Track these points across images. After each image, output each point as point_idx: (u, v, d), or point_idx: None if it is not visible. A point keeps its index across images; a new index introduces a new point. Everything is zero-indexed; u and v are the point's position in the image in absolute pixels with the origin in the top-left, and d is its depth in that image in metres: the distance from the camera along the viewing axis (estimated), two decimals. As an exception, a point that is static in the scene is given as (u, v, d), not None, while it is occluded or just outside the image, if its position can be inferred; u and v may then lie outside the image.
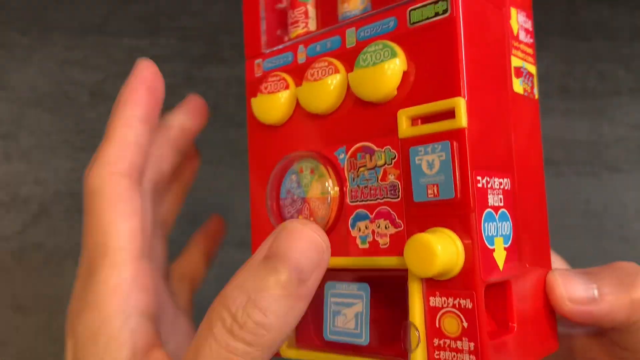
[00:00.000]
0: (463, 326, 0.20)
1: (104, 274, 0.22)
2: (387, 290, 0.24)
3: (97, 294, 0.22)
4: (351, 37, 0.25)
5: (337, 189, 0.25)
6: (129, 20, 0.60)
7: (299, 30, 0.28)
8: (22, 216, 0.54)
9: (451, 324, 0.21)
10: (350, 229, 0.24)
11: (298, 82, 0.27)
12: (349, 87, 0.25)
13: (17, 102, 0.57)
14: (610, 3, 0.75)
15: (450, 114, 0.21)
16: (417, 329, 0.21)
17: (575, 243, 0.58)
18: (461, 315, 0.20)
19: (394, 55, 0.23)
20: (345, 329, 0.24)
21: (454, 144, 0.21)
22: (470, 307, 0.20)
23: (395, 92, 0.23)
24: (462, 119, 0.21)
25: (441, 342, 0.21)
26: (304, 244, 0.19)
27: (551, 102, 0.68)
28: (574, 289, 0.24)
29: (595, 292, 0.24)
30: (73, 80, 0.59)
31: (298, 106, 0.27)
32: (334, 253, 0.24)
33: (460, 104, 0.21)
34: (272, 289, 0.18)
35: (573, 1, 0.76)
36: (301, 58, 0.27)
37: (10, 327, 0.54)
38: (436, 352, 0.21)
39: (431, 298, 0.21)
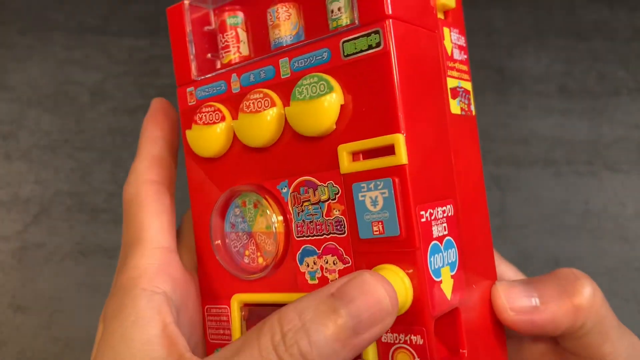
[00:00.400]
0: None
1: (135, 260, 0.25)
2: None
3: (126, 278, 0.24)
4: (285, 68, 0.24)
5: (282, 223, 0.24)
6: (129, 20, 0.60)
7: (231, 55, 0.27)
8: (23, 216, 0.54)
9: (401, 359, 0.21)
10: (298, 264, 0.24)
11: (234, 113, 0.26)
12: (287, 120, 0.24)
13: (18, 102, 0.57)
14: (609, 3, 0.75)
15: (390, 149, 0.21)
16: None
17: (574, 243, 0.58)
18: (412, 351, 0.21)
19: (330, 89, 0.22)
20: None
21: (396, 180, 0.21)
22: (421, 342, 0.21)
23: (334, 127, 0.23)
24: (402, 156, 0.21)
25: None
26: (372, 299, 0.19)
27: (551, 102, 0.68)
28: (515, 299, 0.24)
29: (536, 300, 0.24)
30: (73, 80, 0.59)
31: (236, 138, 0.26)
32: (283, 289, 0.25)
33: (400, 141, 0.21)
34: (327, 326, 0.18)
35: (573, 1, 0.77)
36: (235, 87, 0.26)
37: (10, 327, 0.54)
38: None
39: (383, 335, 0.22)
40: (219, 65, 0.28)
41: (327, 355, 0.18)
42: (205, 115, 0.26)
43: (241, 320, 0.26)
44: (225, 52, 0.27)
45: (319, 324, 0.19)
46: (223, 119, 0.26)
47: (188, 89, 0.27)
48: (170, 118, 0.29)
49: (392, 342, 0.22)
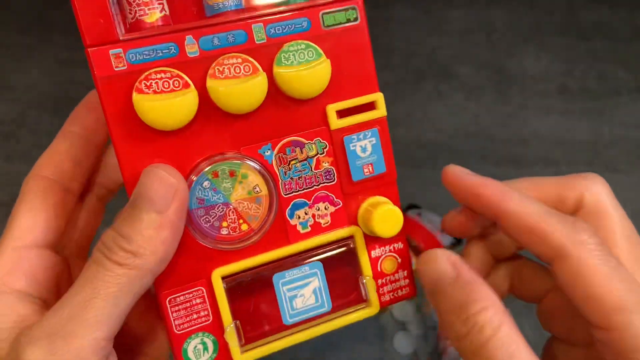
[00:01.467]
0: (398, 262, 0.28)
1: None
2: (324, 260, 0.27)
3: None
4: (260, 33, 0.24)
5: (265, 185, 0.25)
6: (129, 20, 0.60)
7: (157, 14, 0.24)
8: (23, 216, 0.54)
9: (389, 264, 0.28)
10: (288, 219, 0.26)
11: (196, 79, 0.24)
12: (269, 85, 0.25)
13: (18, 102, 0.57)
14: (610, 3, 0.75)
15: (371, 105, 0.26)
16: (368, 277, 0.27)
17: (574, 243, 0.58)
18: (396, 255, 0.28)
19: (319, 55, 0.25)
20: (305, 306, 0.27)
21: (380, 129, 0.26)
22: (402, 246, 0.28)
23: (323, 89, 0.25)
24: (384, 109, 0.26)
25: (383, 280, 0.28)
26: (155, 182, 0.23)
27: (551, 102, 0.68)
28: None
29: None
30: (73, 80, 0.59)
31: (201, 107, 0.24)
32: (273, 246, 0.26)
33: (381, 98, 0.26)
34: (133, 222, 0.22)
35: (573, 1, 0.77)
36: (192, 51, 0.24)
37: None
38: (381, 289, 0.28)
39: (372, 251, 0.27)
40: (126, 26, 0.24)
41: (147, 241, 0.22)
42: (158, 83, 0.23)
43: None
44: (149, 9, 0.24)
45: (126, 224, 0.22)
46: (186, 85, 0.24)
47: (112, 51, 0.23)
48: (94, 112, 0.28)
49: (380, 254, 0.28)
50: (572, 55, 0.71)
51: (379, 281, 0.28)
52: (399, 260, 0.28)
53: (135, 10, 0.24)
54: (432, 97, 0.68)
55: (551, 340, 0.27)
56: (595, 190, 0.25)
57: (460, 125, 0.67)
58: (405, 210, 0.56)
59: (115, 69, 0.23)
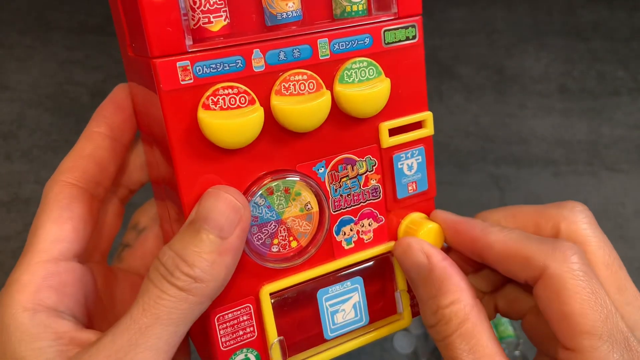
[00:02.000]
0: None
1: (17, 274, 0.23)
2: (364, 275, 0.28)
3: (6, 292, 0.23)
4: (324, 48, 0.24)
5: (317, 202, 0.25)
6: (129, 20, 0.60)
7: (221, 22, 0.23)
8: (23, 216, 0.54)
9: None
10: (335, 235, 0.26)
11: (260, 95, 0.23)
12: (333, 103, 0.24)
13: (18, 102, 0.57)
14: (609, 3, 0.75)
15: (418, 124, 0.27)
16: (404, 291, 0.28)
17: (574, 243, 0.58)
18: None
19: (379, 73, 0.25)
20: (345, 321, 0.27)
21: (426, 148, 0.27)
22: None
23: (381, 109, 0.25)
24: (432, 128, 0.27)
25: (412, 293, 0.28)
26: (222, 205, 0.22)
27: (550, 102, 0.69)
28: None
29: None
30: (73, 80, 0.59)
31: (265, 125, 0.23)
32: (320, 261, 0.26)
33: (430, 116, 0.27)
34: (196, 246, 0.21)
35: (573, 1, 0.77)
36: (258, 65, 0.23)
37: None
38: (412, 301, 0.29)
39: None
40: (187, 34, 0.22)
41: (210, 267, 0.21)
42: (225, 99, 0.22)
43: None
44: (214, 17, 0.23)
45: (188, 247, 0.21)
46: (252, 102, 0.23)
47: (179, 63, 0.22)
48: (122, 111, 0.26)
49: None
50: (571, 55, 0.71)
51: (410, 294, 0.28)
52: None
53: (200, 17, 0.22)
54: (432, 97, 0.68)
55: (537, 354, 0.27)
56: (573, 219, 0.25)
57: (460, 125, 0.67)
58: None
59: (182, 83, 0.22)
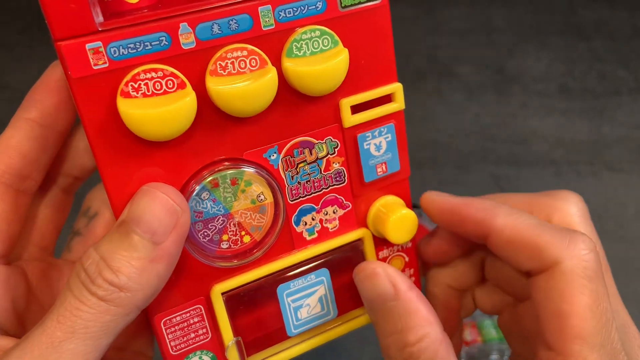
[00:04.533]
0: (405, 261, 0.26)
1: None
2: (330, 264, 0.25)
3: None
4: (267, 17, 0.20)
5: (270, 192, 0.22)
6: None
7: None
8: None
9: (397, 263, 0.26)
10: (294, 226, 0.24)
11: (192, 76, 0.20)
12: (280, 82, 0.21)
13: (18, 102, 0.57)
14: (610, 3, 0.75)
15: (387, 98, 0.23)
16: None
17: (575, 243, 0.58)
18: (404, 254, 0.26)
19: (335, 43, 0.21)
20: (311, 315, 0.25)
21: (396, 124, 0.24)
22: (410, 245, 0.26)
23: (340, 84, 0.22)
24: (402, 102, 0.23)
25: None
26: (157, 207, 0.19)
27: (551, 102, 0.68)
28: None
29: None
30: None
31: (199, 111, 0.20)
32: (277, 255, 0.23)
33: (399, 89, 0.23)
34: (124, 251, 0.19)
35: (573, 1, 0.76)
36: (187, 42, 0.19)
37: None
38: None
39: (380, 252, 0.26)
40: (98, 9, 0.19)
41: (138, 275, 0.19)
42: (148, 84, 0.19)
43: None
44: None
45: (115, 251, 0.19)
46: (182, 86, 0.19)
47: (89, 45, 0.18)
48: (57, 94, 0.23)
49: (388, 255, 0.26)
50: (572, 55, 0.71)
51: None
52: (407, 259, 0.26)
53: None
54: (432, 97, 0.68)
55: (511, 354, 0.27)
56: (566, 211, 0.24)
57: (460, 125, 0.67)
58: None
59: (94, 68, 0.19)
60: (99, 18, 0.18)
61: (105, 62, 0.19)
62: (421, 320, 0.21)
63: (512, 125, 0.66)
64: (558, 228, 0.22)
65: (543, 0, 0.75)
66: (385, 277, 0.22)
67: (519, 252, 0.22)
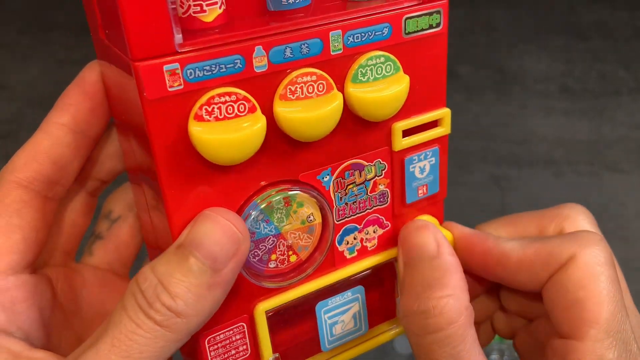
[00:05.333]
0: None
1: None
2: (365, 283, 0.25)
3: None
4: (337, 42, 0.21)
5: (320, 213, 0.23)
6: (129, 20, 0.60)
7: (216, 10, 0.19)
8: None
9: None
10: (337, 245, 0.24)
11: (262, 100, 0.20)
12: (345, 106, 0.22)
13: (17, 102, 0.57)
14: (610, 3, 0.75)
15: (434, 122, 0.23)
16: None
17: (575, 243, 0.58)
18: None
19: (397, 69, 0.22)
20: (345, 331, 0.25)
21: (440, 148, 0.24)
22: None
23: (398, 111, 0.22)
24: (449, 127, 0.24)
25: None
26: (219, 233, 0.19)
27: (551, 102, 0.68)
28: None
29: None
30: (72, 79, 0.59)
31: (268, 135, 0.20)
32: (320, 273, 0.24)
33: (447, 114, 0.24)
34: (183, 275, 0.19)
35: (573, 1, 0.76)
36: (259, 65, 0.19)
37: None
38: None
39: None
40: (177, 30, 0.19)
41: (194, 301, 0.19)
42: (221, 107, 0.19)
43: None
44: (207, 5, 0.19)
45: (174, 275, 0.18)
46: (252, 109, 0.19)
47: (167, 67, 0.18)
48: (91, 98, 0.22)
49: None
50: (572, 55, 0.71)
51: None
52: None
53: (190, 4, 0.19)
54: (432, 97, 0.68)
55: None
56: (575, 217, 0.24)
57: (460, 125, 0.67)
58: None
59: (170, 90, 0.18)
60: (179, 39, 0.18)
61: (180, 84, 0.18)
62: (455, 282, 0.21)
63: (512, 125, 0.66)
64: (561, 235, 0.22)
65: (543, 0, 0.75)
66: (433, 235, 0.23)
67: (531, 268, 0.22)
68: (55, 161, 0.22)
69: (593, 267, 0.21)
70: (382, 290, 0.26)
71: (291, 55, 0.20)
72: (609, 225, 0.60)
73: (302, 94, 0.20)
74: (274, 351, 0.24)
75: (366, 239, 0.24)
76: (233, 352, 0.24)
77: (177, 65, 0.18)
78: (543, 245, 0.22)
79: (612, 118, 0.67)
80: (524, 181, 0.63)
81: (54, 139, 0.22)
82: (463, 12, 0.75)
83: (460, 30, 0.73)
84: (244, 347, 0.24)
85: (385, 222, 0.24)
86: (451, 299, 0.21)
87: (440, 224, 0.25)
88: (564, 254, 0.21)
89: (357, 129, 0.22)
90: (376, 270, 0.25)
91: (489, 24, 0.74)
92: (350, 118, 0.21)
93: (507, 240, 0.23)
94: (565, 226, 0.24)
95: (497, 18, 0.74)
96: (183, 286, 0.18)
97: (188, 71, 0.18)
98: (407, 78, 0.22)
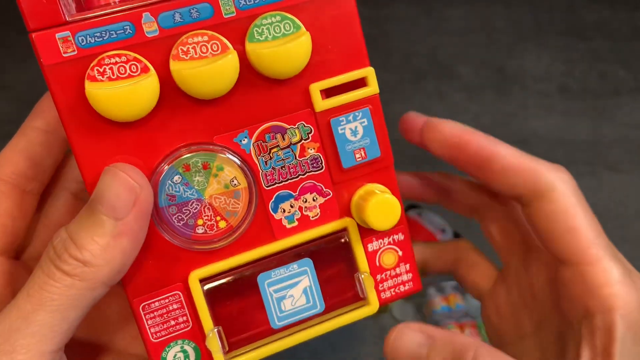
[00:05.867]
0: (399, 255, 0.26)
1: None
2: (315, 256, 0.25)
3: None
4: (228, 5, 0.21)
5: (244, 177, 0.23)
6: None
7: None
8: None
9: (389, 258, 0.26)
10: (272, 213, 0.24)
11: (156, 62, 0.21)
12: (242, 65, 0.22)
13: (18, 102, 0.57)
14: (610, 3, 0.75)
15: (361, 82, 0.24)
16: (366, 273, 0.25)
17: (575, 243, 0.58)
18: (396, 248, 0.26)
19: (297, 27, 0.22)
20: (295, 308, 0.25)
21: (372, 109, 0.24)
22: (402, 238, 0.26)
23: (304, 67, 0.23)
24: (376, 86, 0.24)
25: (383, 275, 0.26)
26: (116, 185, 0.21)
27: (551, 101, 0.68)
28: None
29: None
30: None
31: (164, 94, 0.22)
32: (256, 243, 0.24)
33: (372, 73, 0.24)
34: (89, 228, 0.20)
35: (573, 1, 0.76)
36: (150, 30, 0.21)
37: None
38: (380, 285, 0.26)
39: (369, 245, 0.25)
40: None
41: (102, 251, 0.20)
42: (113, 68, 0.20)
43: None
44: None
45: (81, 229, 0.20)
46: (145, 70, 0.21)
47: (59, 34, 0.20)
48: None
49: (378, 247, 0.25)
50: (572, 55, 0.71)
51: (378, 276, 0.26)
52: (400, 253, 0.26)
53: None
54: (432, 97, 0.68)
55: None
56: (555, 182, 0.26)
57: (460, 125, 0.67)
58: (405, 210, 0.56)
59: (64, 55, 0.21)
60: (68, 10, 0.20)
61: (74, 50, 0.21)
62: (468, 340, 0.22)
63: (512, 125, 0.66)
64: (542, 160, 0.25)
65: (543, 0, 0.75)
66: (413, 330, 0.23)
67: (517, 177, 0.24)
68: (30, 157, 0.25)
69: (573, 198, 0.23)
70: (337, 269, 0.25)
71: (181, 20, 0.21)
72: (608, 225, 0.60)
73: (196, 53, 0.21)
74: (217, 324, 0.23)
75: (306, 207, 0.24)
76: (172, 322, 0.24)
77: (68, 33, 0.20)
78: (532, 162, 0.24)
79: (612, 118, 0.67)
80: (524, 181, 0.63)
81: (28, 139, 0.25)
82: (463, 12, 0.75)
83: (460, 30, 0.73)
84: (184, 318, 0.24)
85: (324, 189, 0.24)
86: (479, 352, 0.22)
87: (395, 192, 0.25)
88: (546, 179, 0.23)
89: (267, 89, 0.23)
90: (327, 245, 0.25)
91: (489, 24, 0.73)
92: (256, 77, 0.22)
93: (502, 143, 0.25)
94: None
95: (497, 18, 0.74)
96: (88, 237, 0.20)
97: (80, 38, 0.21)
98: (307, 33, 0.22)
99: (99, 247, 0.20)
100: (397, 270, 0.26)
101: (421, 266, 0.30)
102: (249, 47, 0.22)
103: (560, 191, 0.23)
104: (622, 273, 0.22)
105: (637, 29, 0.73)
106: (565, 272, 0.22)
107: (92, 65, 0.21)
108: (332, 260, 0.25)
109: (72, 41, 0.20)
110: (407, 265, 0.26)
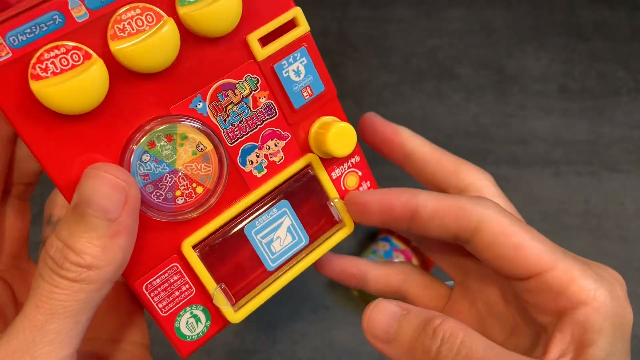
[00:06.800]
0: (359, 175, 0.28)
1: None
2: (289, 196, 0.26)
3: None
4: None
5: (208, 139, 0.23)
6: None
7: None
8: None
9: (352, 180, 0.27)
10: (241, 167, 0.25)
11: (96, 46, 0.20)
12: (180, 32, 0.22)
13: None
14: (610, 3, 0.75)
15: (291, 24, 0.24)
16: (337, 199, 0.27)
17: (574, 243, 0.58)
18: (356, 170, 0.27)
19: None
20: (284, 247, 0.26)
21: (308, 47, 0.25)
22: (359, 159, 0.27)
23: (238, 21, 0.23)
24: (306, 24, 0.24)
25: None
26: (104, 187, 0.20)
27: (550, 102, 0.68)
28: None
29: None
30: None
31: (112, 75, 0.21)
32: (234, 199, 0.25)
33: (300, 12, 0.24)
34: (83, 232, 0.20)
35: (573, 1, 0.76)
36: (80, 14, 0.20)
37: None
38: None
39: (332, 173, 0.27)
40: None
41: (102, 252, 0.20)
42: (54, 62, 0.20)
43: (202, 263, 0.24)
44: None
45: (75, 235, 0.20)
46: (88, 56, 0.20)
47: None
48: None
49: (340, 174, 0.27)
50: (572, 55, 0.71)
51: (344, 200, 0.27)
52: (360, 173, 0.28)
53: None
54: (432, 97, 0.68)
55: None
56: (478, 182, 0.27)
57: (460, 125, 0.67)
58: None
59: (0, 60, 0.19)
60: None
61: (8, 53, 0.19)
62: (437, 313, 0.22)
63: (512, 125, 0.66)
64: (466, 196, 0.25)
65: (543, 0, 0.75)
66: (389, 303, 0.23)
67: (446, 219, 0.24)
68: None
69: (509, 220, 0.23)
70: (311, 202, 0.27)
71: None
72: (608, 225, 0.60)
73: (133, 29, 0.21)
74: (218, 282, 0.25)
75: (270, 154, 0.25)
76: (177, 293, 0.24)
77: None
78: (456, 201, 0.24)
79: (612, 118, 0.67)
80: (523, 181, 0.63)
81: None
82: (463, 12, 0.75)
83: (460, 31, 0.73)
84: (187, 286, 0.24)
85: (283, 133, 0.25)
86: (449, 320, 0.22)
87: (342, 119, 0.26)
88: (473, 212, 0.24)
89: (209, 50, 0.23)
90: (297, 183, 0.26)
91: (488, 25, 0.74)
92: (196, 40, 0.22)
93: (421, 191, 0.26)
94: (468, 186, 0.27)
95: (497, 18, 0.74)
96: (85, 242, 0.20)
97: (10, 38, 0.19)
98: None
99: (99, 249, 0.20)
100: (361, 189, 0.28)
101: (367, 283, 0.31)
102: (182, 10, 0.21)
103: (489, 220, 0.23)
104: (581, 268, 0.22)
105: (636, 29, 0.73)
106: (527, 284, 0.23)
107: (32, 63, 0.20)
108: (305, 196, 0.27)
109: (4, 43, 0.19)
110: (368, 183, 0.28)
